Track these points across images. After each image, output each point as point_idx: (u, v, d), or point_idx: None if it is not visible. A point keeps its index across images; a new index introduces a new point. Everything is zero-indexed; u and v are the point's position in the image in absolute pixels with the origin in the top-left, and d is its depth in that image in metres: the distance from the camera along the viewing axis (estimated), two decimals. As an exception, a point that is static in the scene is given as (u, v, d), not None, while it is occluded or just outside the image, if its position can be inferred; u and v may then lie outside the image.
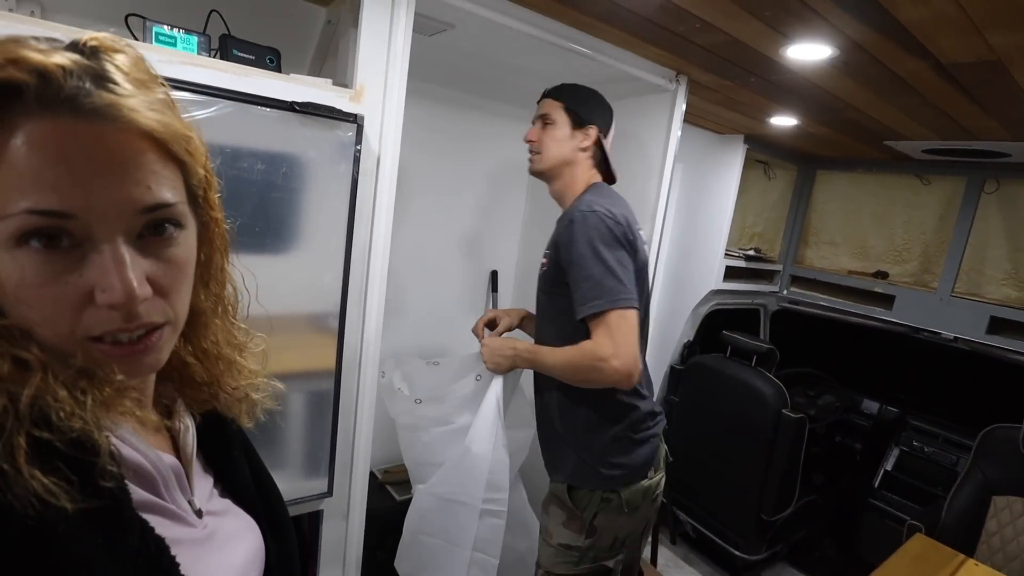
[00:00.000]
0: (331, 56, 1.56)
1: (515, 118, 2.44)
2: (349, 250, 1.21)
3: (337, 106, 1.14)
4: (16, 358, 0.39)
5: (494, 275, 2.55)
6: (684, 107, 1.91)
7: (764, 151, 2.89)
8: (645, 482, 1.40)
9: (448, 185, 2.31)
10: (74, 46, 0.41)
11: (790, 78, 1.71)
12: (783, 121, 2.30)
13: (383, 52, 1.23)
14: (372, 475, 2.16)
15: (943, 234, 2.71)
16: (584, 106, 1.47)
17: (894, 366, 3.28)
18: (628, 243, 1.30)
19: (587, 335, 1.28)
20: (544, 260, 1.45)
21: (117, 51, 0.42)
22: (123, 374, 0.42)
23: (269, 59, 1.20)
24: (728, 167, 2.79)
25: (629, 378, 1.24)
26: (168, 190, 0.43)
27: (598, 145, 1.47)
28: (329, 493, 1.32)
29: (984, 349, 2.51)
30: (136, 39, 1.06)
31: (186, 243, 0.46)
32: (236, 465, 0.61)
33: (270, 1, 1.46)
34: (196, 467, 0.56)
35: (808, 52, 1.46)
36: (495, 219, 2.50)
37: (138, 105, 0.40)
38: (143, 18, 1.06)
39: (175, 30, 1.07)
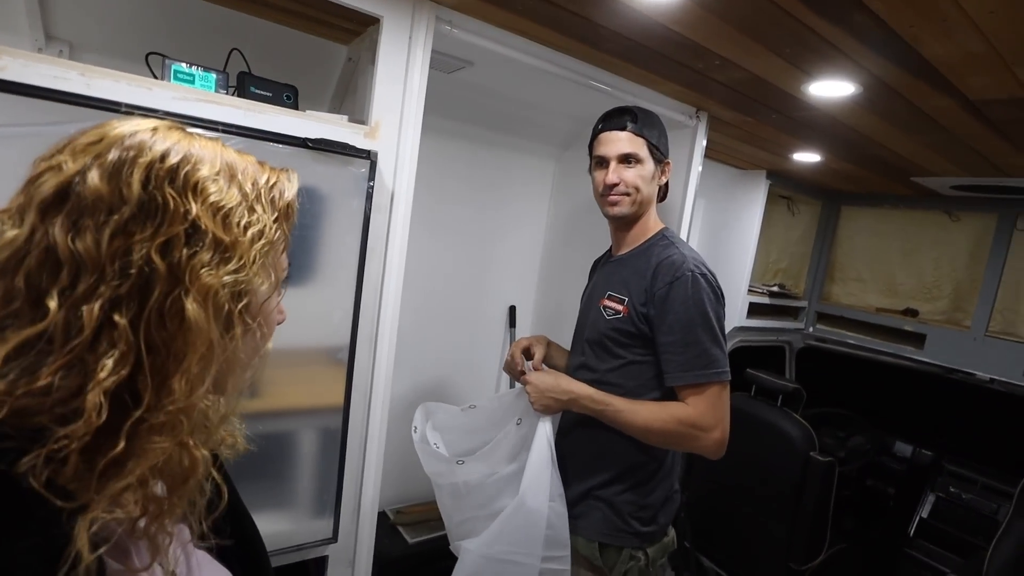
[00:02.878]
0: (350, 93, 1.58)
1: (533, 153, 2.45)
2: (360, 285, 1.20)
3: (351, 142, 1.14)
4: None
5: (512, 311, 2.52)
6: (704, 143, 1.89)
7: (787, 186, 2.85)
8: (666, 538, 1.34)
9: (464, 219, 2.31)
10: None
11: (813, 115, 1.68)
12: (806, 157, 2.27)
13: (399, 89, 1.23)
14: (383, 515, 2.10)
15: (974, 271, 2.62)
16: (663, 139, 1.40)
17: (927, 407, 3.14)
18: (723, 301, 1.29)
19: (659, 392, 1.27)
20: (618, 306, 1.33)
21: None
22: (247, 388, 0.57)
23: (287, 96, 1.21)
24: (750, 202, 2.75)
25: (722, 450, 1.23)
26: None
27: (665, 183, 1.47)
28: (334, 538, 1.27)
29: (1022, 391, 2.39)
30: (156, 77, 1.08)
31: None
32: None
33: (292, 39, 1.49)
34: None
35: (831, 89, 1.43)
36: (513, 254, 2.49)
37: None
38: (163, 56, 1.08)
39: (194, 68, 1.09)
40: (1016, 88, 1.24)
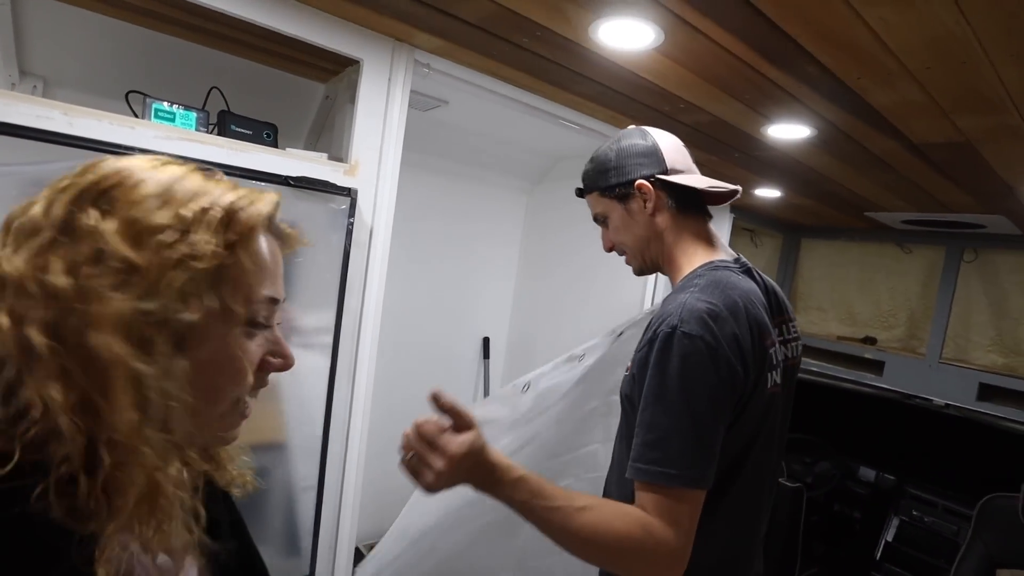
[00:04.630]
0: (327, 130, 1.60)
1: (505, 188, 2.51)
2: (339, 320, 1.20)
3: (332, 180, 1.16)
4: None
5: (486, 342, 2.54)
6: (670, 179, 1.97)
7: (750, 220, 2.97)
8: None
9: (438, 252, 2.33)
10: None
11: (772, 154, 1.78)
12: (767, 193, 2.38)
13: (378, 128, 1.26)
14: (357, 551, 2.05)
15: (927, 300, 2.75)
16: (615, 170, 1.05)
17: (888, 432, 3.24)
18: (729, 371, 0.86)
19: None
20: (629, 363, 1.01)
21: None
22: (234, 436, 0.55)
23: (266, 134, 1.23)
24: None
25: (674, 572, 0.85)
26: None
27: (664, 188, 1.02)
28: (311, 575, 1.25)
29: (976, 416, 2.50)
30: (135, 115, 1.09)
31: None
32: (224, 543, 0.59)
33: (270, 77, 1.51)
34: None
35: (788, 132, 1.52)
36: (486, 286, 2.52)
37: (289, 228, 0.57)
38: (143, 95, 1.09)
39: (174, 106, 1.10)
40: (953, 133, 1.34)
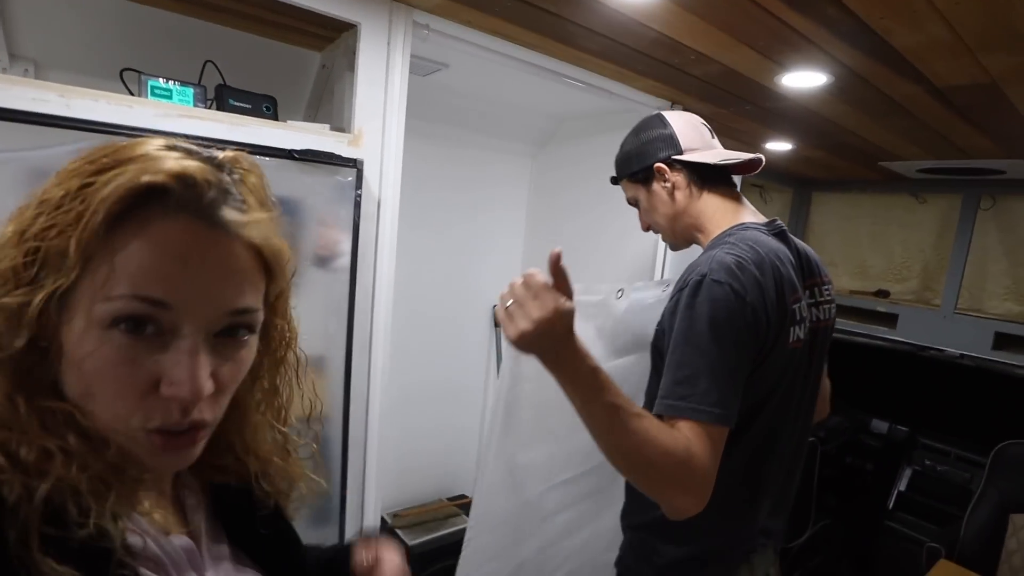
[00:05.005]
0: (326, 100, 1.56)
1: (512, 152, 2.45)
2: (353, 293, 1.19)
3: (336, 152, 1.13)
4: (43, 448, 0.39)
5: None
6: (680, 136, 1.92)
7: (760, 176, 2.89)
8: None
9: (444, 220, 2.30)
10: (212, 159, 0.46)
11: (785, 105, 1.72)
12: (778, 146, 2.32)
13: (380, 96, 1.22)
14: (380, 520, 2.09)
15: (942, 251, 2.71)
16: (636, 157, 1.16)
17: (901, 385, 3.25)
18: (754, 318, 0.89)
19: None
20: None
21: (250, 172, 0.48)
22: (159, 467, 0.45)
23: (266, 107, 1.20)
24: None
25: (692, 507, 0.85)
26: (253, 298, 0.46)
27: (683, 167, 1.11)
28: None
29: (991, 365, 2.49)
30: (132, 93, 1.05)
31: (252, 346, 0.48)
32: (256, 535, 0.58)
33: (264, 48, 1.46)
34: (205, 541, 0.53)
35: (803, 80, 1.47)
36: (494, 253, 2.49)
37: (256, 223, 0.45)
38: (138, 72, 1.05)
39: (170, 83, 1.06)
40: (979, 74, 1.29)
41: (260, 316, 0.48)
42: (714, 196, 1.11)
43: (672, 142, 1.11)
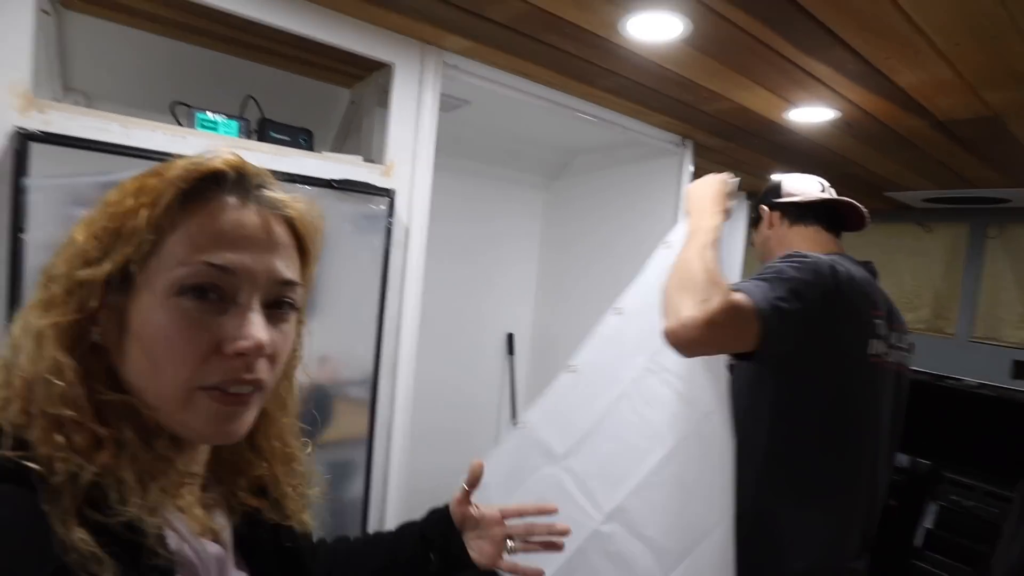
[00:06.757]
0: (354, 133, 1.63)
1: (525, 185, 2.53)
2: (382, 319, 1.23)
3: (371, 181, 1.19)
4: (96, 434, 0.42)
5: (510, 338, 2.56)
6: (692, 168, 1.98)
7: (767, 206, 2.96)
8: None
9: (459, 250, 2.36)
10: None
11: (792, 138, 1.78)
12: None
13: (411, 130, 1.29)
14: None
15: (951, 279, 2.73)
16: (752, 208, 1.44)
17: (920, 416, 3.19)
18: (822, 282, 1.00)
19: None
20: None
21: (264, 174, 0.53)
22: (214, 435, 0.48)
23: (303, 139, 1.27)
24: (733, 222, 2.82)
25: (686, 331, 0.90)
26: (294, 273, 0.51)
27: (778, 209, 1.35)
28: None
29: (1012, 395, 2.47)
30: (180, 125, 1.12)
31: (292, 326, 0.52)
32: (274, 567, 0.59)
33: (298, 85, 1.55)
34: (230, 555, 0.55)
35: (811, 115, 1.53)
36: (507, 282, 2.54)
37: (293, 204, 0.51)
38: (187, 106, 1.12)
39: (216, 116, 1.13)
40: (981, 108, 1.34)
41: (301, 293, 0.52)
42: (806, 232, 1.30)
43: (776, 192, 1.36)
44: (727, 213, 1.19)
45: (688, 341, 0.90)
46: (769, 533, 1.02)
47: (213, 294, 0.45)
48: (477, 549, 0.76)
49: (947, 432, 3.05)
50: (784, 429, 1.04)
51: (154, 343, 0.44)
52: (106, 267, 0.44)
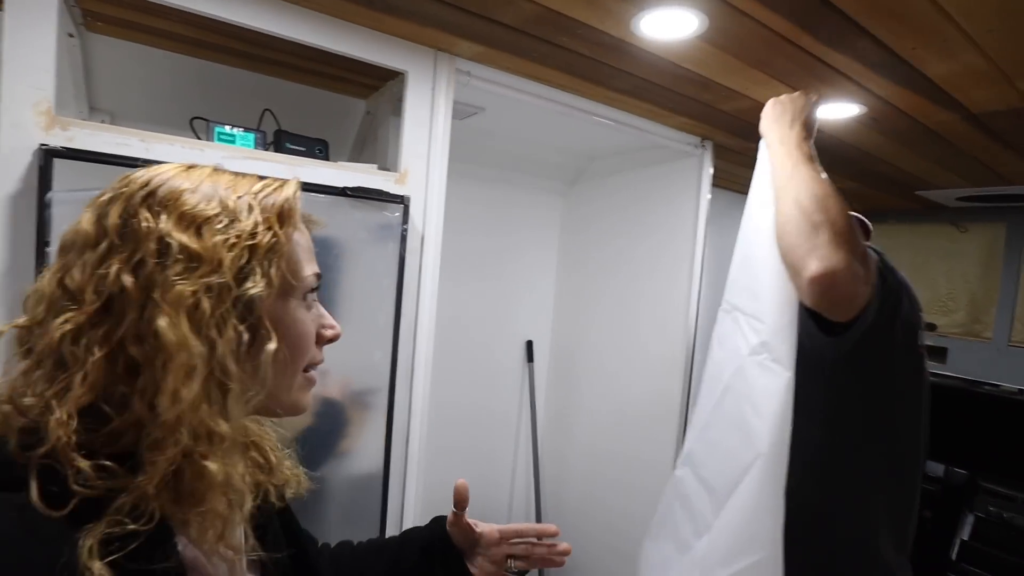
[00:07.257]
0: (370, 142, 1.64)
1: (542, 191, 2.52)
2: (397, 327, 1.22)
3: (385, 189, 1.18)
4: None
5: (529, 345, 2.54)
6: (711, 171, 1.95)
7: (792, 208, 2.89)
8: None
9: (477, 257, 2.35)
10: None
11: (816, 136, 1.73)
12: (810, 178, 2.32)
13: (425, 138, 1.29)
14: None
15: (988, 281, 2.63)
16: None
17: (955, 423, 3.09)
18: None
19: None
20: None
21: None
22: (305, 405, 0.58)
23: (318, 149, 1.27)
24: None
25: (827, 280, 0.89)
26: None
27: None
28: None
29: (1053, 400, 2.37)
30: (200, 138, 1.14)
31: None
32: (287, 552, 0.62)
33: (315, 97, 1.56)
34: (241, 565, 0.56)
35: (835, 111, 1.49)
36: (526, 289, 2.53)
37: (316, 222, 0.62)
38: (206, 120, 1.14)
39: (234, 129, 1.15)
40: (1016, 99, 1.29)
41: None
42: None
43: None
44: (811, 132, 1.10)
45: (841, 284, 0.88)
46: (822, 525, 1.02)
47: (312, 294, 0.57)
48: (478, 567, 0.78)
49: (984, 440, 2.93)
50: (840, 420, 1.01)
51: (299, 337, 0.55)
52: (260, 285, 0.49)
